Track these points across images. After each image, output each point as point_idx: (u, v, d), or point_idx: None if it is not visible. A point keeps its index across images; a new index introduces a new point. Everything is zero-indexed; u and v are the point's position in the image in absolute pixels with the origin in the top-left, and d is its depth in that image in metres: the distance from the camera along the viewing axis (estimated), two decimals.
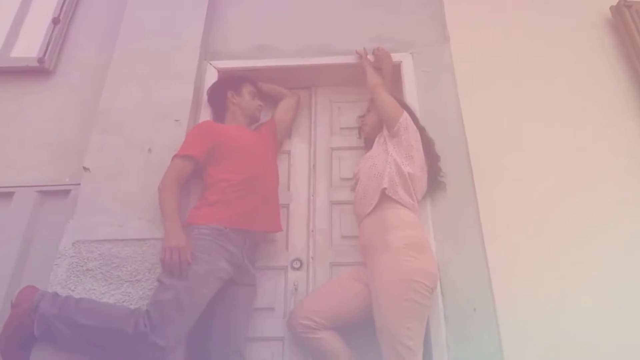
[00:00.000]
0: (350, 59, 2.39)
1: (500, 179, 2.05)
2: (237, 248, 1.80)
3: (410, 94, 2.25)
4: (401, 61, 2.36)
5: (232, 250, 1.77)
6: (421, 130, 2.00)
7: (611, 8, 2.44)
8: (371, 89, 2.09)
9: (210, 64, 2.42)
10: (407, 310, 1.58)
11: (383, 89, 2.06)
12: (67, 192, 2.16)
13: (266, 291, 2.01)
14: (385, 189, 1.78)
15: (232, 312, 1.81)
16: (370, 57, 2.33)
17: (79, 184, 2.04)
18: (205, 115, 2.27)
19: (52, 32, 2.59)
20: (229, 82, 2.24)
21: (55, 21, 2.63)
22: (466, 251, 1.91)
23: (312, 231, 2.14)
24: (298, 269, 2.06)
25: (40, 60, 2.49)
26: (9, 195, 2.18)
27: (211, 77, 2.38)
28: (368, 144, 2.12)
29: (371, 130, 2.10)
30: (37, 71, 2.51)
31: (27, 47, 2.54)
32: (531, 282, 1.84)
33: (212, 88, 2.27)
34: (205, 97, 2.30)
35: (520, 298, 1.81)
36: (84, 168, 2.04)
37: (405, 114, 1.93)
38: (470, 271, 1.87)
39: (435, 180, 1.98)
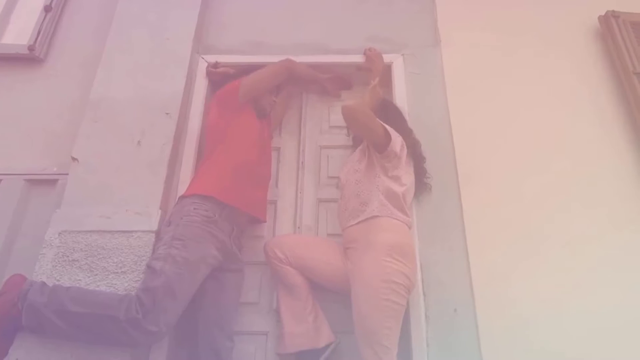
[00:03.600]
0: (343, 58, 2.41)
1: (485, 183, 2.08)
2: (225, 236, 1.82)
3: (400, 96, 2.28)
4: (392, 62, 2.39)
5: (222, 238, 1.80)
6: (409, 132, 2.01)
7: (599, 17, 2.49)
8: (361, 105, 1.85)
9: (203, 57, 2.43)
10: (386, 310, 1.61)
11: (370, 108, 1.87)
12: (55, 181, 2.16)
13: (251, 286, 2.03)
14: (376, 216, 1.76)
15: (222, 296, 1.84)
16: (361, 57, 2.37)
17: (67, 174, 2.04)
18: (197, 109, 2.28)
19: (44, 20, 2.57)
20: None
21: (47, 9, 2.60)
22: (449, 252, 1.94)
23: (299, 228, 2.16)
24: None
25: (31, 48, 2.47)
26: None
27: (203, 71, 2.39)
28: (357, 141, 2.13)
29: None
30: (28, 59, 2.49)
31: (18, 34, 2.52)
32: (511, 284, 1.88)
33: (230, 77, 2.28)
34: (196, 91, 2.32)
35: (500, 300, 1.84)
36: (73, 158, 2.04)
37: (393, 139, 1.78)
38: (452, 272, 1.90)
39: (421, 182, 2.00)
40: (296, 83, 2.40)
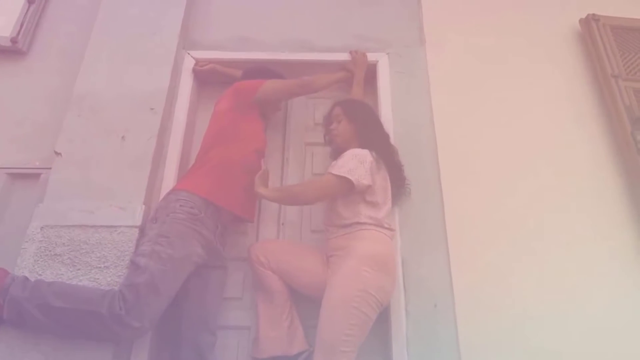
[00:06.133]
0: (329, 57, 2.42)
1: (467, 183, 2.11)
2: (210, 233, 1.83)
3: (384, 94, 2.30)
4: (377, 61, 2.41)
5: (207, 235, 1.80)
6: (385, 139, 1.99)
7: (580, 21, 2.54)
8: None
9: (189, 53, 2.43)
10: (353, 318, 1.58)
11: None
12: (38, 175, 2.14)
13: (234, 281, 2.04)
14: (361, 229, 1.76)
15: (205, 292, 1.85)
16: (347, 55, 2.39)
17: (50, 168, 2.02)
18: (182, 105, 2.28)
19: (27, 11, 2.54)
20: (268, 74, 2.23)
21: (31, 0, 2.56)
22: (430, 250, 1.98)
23: (283, 224, 2.17)
24: None
25: (14, 40, 2.44)
26: None
27: (189, 67, 2.39)
28: (336, 154, 1.99)
29: (344, 142, 1.96)
30: (10, 51, 2.46)
31: (0, 26, 2.46)
32: (490, 281, 1.92)
33: (253, 71, 2.27)
34: (182, 86, 2.32)
35: (479, 296, 1.88)
36: (56, 152, 2.03)
37: (354, 182, 1.71)
38: (433, 269, 1.94)
39: (399, 189, 1.98)
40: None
